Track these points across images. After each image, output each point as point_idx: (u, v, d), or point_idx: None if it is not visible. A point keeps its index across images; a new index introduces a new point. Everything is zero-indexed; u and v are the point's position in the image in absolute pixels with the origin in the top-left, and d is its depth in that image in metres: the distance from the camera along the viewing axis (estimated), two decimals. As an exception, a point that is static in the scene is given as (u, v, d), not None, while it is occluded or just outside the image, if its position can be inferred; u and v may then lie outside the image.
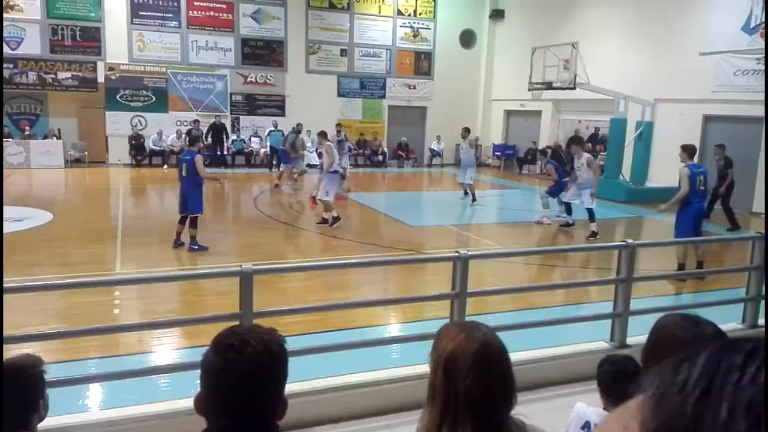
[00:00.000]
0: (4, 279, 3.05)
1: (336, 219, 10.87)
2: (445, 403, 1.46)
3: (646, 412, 0.36)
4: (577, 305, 6.58)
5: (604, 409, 2.48)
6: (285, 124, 19.94)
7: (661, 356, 0.40)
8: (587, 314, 5.47)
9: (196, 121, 19.62)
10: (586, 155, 11.36)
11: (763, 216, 12.89)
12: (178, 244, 9.14)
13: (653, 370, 0.38)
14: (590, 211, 11.03)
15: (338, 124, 15.68)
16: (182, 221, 9.12)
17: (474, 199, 14.36)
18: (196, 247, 8.97)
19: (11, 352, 2.72)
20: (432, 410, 1.49)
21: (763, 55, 13.43)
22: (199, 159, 8.92)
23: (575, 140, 12.25)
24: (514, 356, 1.62)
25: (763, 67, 13.56)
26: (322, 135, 11.89)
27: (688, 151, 8.40)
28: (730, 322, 5.50)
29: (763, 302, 5.55)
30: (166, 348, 5.57)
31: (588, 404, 2.62)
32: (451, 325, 1.64)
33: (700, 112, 15.91)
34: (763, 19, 14.11)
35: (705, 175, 8.26)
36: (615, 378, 2.48)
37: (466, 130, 14.50)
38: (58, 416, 3.35)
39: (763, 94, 12.46)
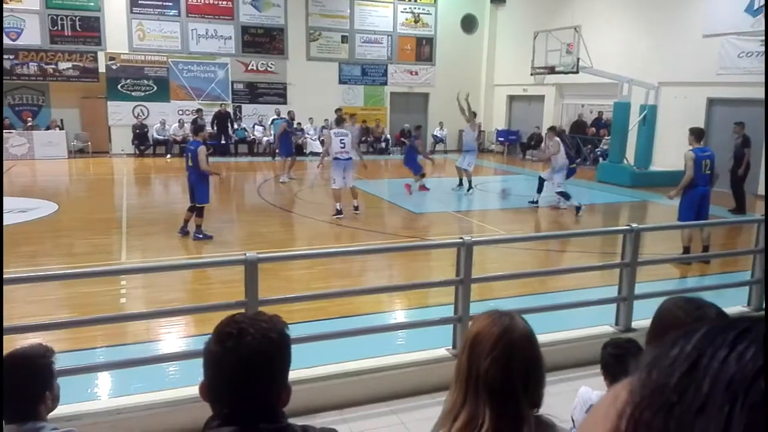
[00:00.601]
0: (11, 270, 3.07)
1: (338, 212, 10.73)
2: (466, 383, 1.48)
3: (635, 383, 0.38)
4: (581, 290, 6.58)
5: (608, 392, 2.49)
6: (287, 112, 19.88)
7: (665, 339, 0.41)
8: (592, 299, 5.47)
9: (199, 110, 19.57)
10: (557, 138, 11.87)
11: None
12: (184, 231, 9.16)
13: (652, 347, 0.39)
14: (563, 193, 11.75)
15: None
16: (191, 209, 9.15)
17: (470, 188, 13.76)
18: (201, 236, 8.99)
19: (20, 342, 2.74)
20: (455, 391, 1.51)
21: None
22: (201, 150, 8.86)
23: (553, 128, 12.78)
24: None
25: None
26: (336, 122, 11.87)
27: (695, 134, 8.29)
28: (735, 305, 5.51)
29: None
30: (172, 336, 5.60)
31: (592, 388, 2.63)
32: (484, 312, 1.66)
33: (703, 95, 15.79)
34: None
35: (711, 158, 8.11)
36: (617, 360, 2.49)
37: (473, 114, 14.23)
38: (68, 404, 3.39)
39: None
